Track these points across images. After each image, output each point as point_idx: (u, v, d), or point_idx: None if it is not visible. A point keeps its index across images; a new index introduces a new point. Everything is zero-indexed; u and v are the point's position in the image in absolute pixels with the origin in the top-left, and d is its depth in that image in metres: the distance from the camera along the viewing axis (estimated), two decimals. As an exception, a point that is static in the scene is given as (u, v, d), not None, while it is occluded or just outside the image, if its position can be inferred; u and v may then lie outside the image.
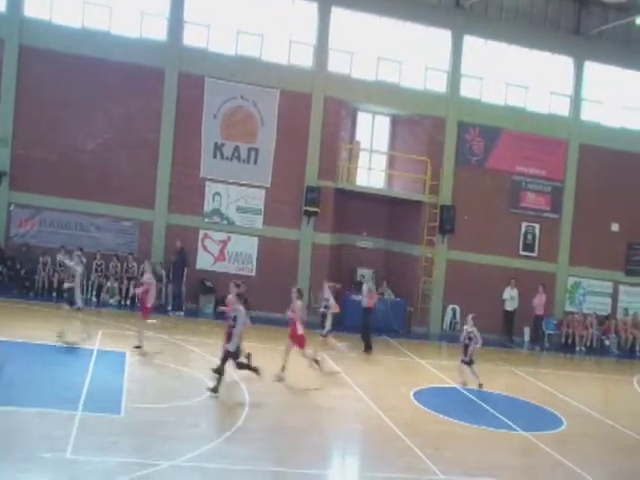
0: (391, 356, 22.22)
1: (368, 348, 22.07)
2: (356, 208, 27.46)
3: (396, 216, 27.93)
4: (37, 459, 11.26)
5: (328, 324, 19.43)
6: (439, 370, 20.90)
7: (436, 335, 27.16)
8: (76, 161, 24.62)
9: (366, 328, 22.38)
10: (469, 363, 18.94)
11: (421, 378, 19.84)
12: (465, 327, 19.36)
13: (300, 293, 18.15)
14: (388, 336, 24.83)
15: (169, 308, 24.26)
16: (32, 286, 23.59)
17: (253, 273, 25.87)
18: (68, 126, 24.57)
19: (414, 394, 17.73)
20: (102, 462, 11.47)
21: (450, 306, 27.51)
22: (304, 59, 26.55)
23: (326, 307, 19.85)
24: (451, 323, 27.42)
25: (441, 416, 16.18)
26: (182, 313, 24.02)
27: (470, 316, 19.23)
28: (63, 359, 16.70)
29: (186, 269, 24.50)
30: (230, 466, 12.03)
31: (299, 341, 17.33)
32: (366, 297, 22.64)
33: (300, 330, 17.32)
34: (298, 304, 17.60)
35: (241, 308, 16.00)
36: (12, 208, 24.43)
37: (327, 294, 20.19)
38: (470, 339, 18.83)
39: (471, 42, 27.90)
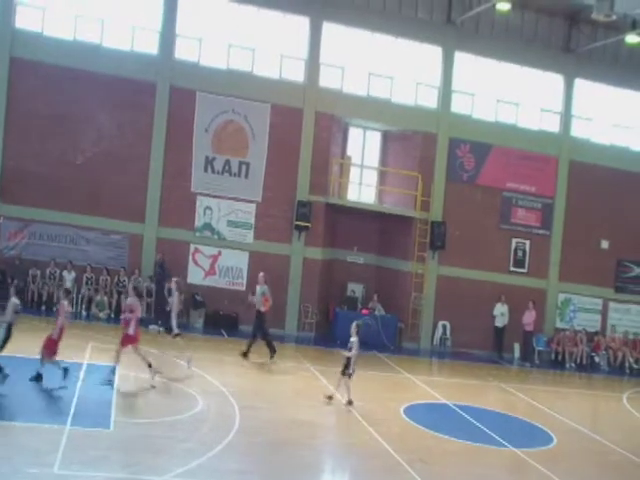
0: (381, 372, 22.14)
1: (273, 352, 20.88)
2: (347, 223, 27.47)
3: (387, 231, 27.96)
4: (24, 474, 11.12)
5: (174, 322, 18.77)
6: (429, 386, 20.84)
7: (426, 351, 27.13)
8: (66, 174, 24.55)
9: (264, 332, 21.10)
10: (349, 375, 17.42)
11: (411, 393, 19.79)
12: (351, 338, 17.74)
13: (138, 291, 18.07)
14: (378, 351, 24.76)
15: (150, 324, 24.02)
16: (22, 299, 23.34)
17: (244, 288, 25.76)
18: (58, 139, 24.53)
19: (404, 409, 17.66)
20: (90, 477, 11.37)
21: (440, 322, 27.51)
22: (295, 74, 26.61)
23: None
24: (441, 339, 27.40)
25: (431, 432, 16.12)
26: (161, 328, 23.65)
27: (354, 323, 17.94)
28: (53, 373, 16.53)
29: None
30: (219, 482, 11.98)
31: (129, 340, 16.90)
32: (260, 300, 21.30)
33: (131, 330, 16.76)
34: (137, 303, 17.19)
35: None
36: (1, 221, 24.32)
37: (174, 288, 19.68)
38: (350, 349, 17.42)
39: (462, 58, 28.06)
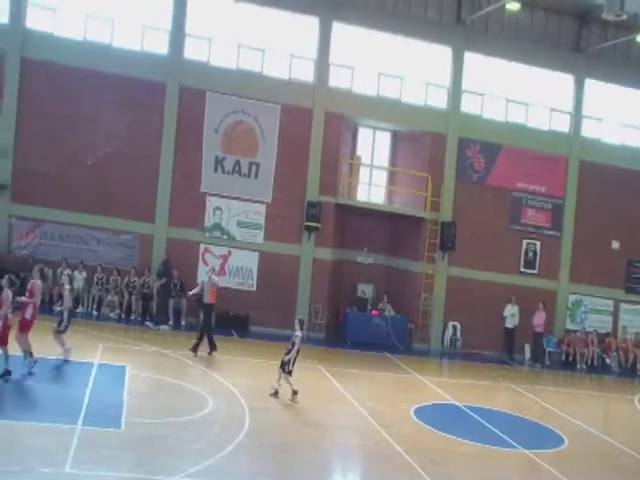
0: (391, 372, 22.10)
1: (213, 348, 20.41)
2: (357, 224, 27.42)
3: (397, 232, 27.90)
4: (35, 473, 11.15)
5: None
6: (439, 387, 20.79)
7: (437, 352, 27.07)
8: (77, 174, 24.58)
9: (207, 326, 20.62)
10: (289, 372, 17.13)
11: (421, 395, 19.74)
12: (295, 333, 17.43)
13: (43, 273, 17.52)
14: (388, 352, 24.74)
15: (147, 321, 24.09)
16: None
17: (254, 288, 25.78)
18: (69, 139, 24.55)
19: (414, 411, 17.62)
20: (102, 477, 11.39)
21: (451, 323, 27.43)
22: (305, 74, 26.59)
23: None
24: (452, 340, 27.31)
25: (441, 433, 16.07)
26: (163, 327, 23.64)
27: (297, 319, 17.79)
28: (64, 373, 16.62)
29: (171, 282, 24.24)
30: (232, 482, 11.99)
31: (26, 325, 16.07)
32: (208, 292, 20.98)
33: (28, 315, 15.98)
34: (38, 284, 16.55)
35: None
36: (13, 221, 24.40)
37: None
38: (293, 344, 17.11)
39: (472, 58, 27.98)
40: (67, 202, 24.41)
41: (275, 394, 16.88)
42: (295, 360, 17.03)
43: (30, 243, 24.43)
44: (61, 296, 16.79)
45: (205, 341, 20.45)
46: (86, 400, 14.53)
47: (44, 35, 24.48)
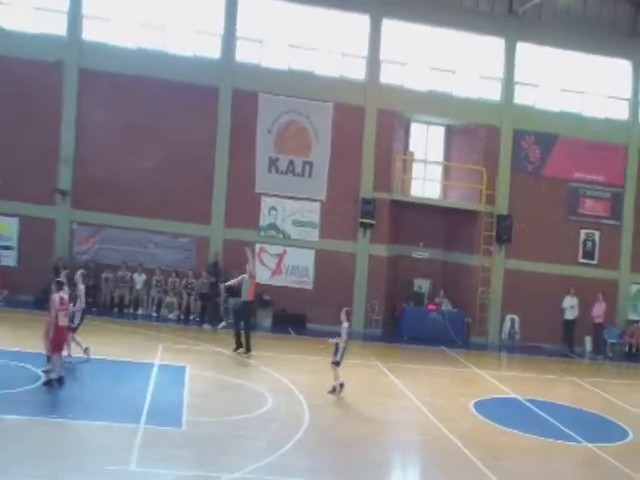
0: (449, 367, 22.03)
1: (244, 347, 20.29)
2: (412, 219, 27.36)
3: (452, 226, 27.77)
4: (102, 471, 11.49)
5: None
6: (498, 380, 20.63)
7: (495, 345, 26.85)
8: (134, 179, 25.10)
9: (245, 324, 20.52)
10: (337, 363, 17.10)
11: (480, 389, 19.61)
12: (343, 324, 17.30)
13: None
14: (446, 347, 24.65)
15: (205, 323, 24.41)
16: (95, 302, 24.14)
17: (310, 286, 25.97)
18: (126, 145, 25.09)
19: (474, 405, 17.54)
20: (165, 475, 11.65)
21: (509, 316, 27.16)
22: (356, 71, 26.63)
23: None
24: (510, 333, 27.05)
25: (502, 427, 15.97)
26: (221, 325, 23.98)
27: (344, 310, 17.53)
28: (126, 374, 17.02)
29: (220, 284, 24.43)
30: (290, 479, 12.09)
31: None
32: (247, 289, 20.65)
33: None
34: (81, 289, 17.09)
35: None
36: (74, 226, 25.07)
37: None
38: (339, 335, 16.96)
39: (525, 49, 27.64)
40: (126, 207, 24.95)
41: (333, 391, 16.96)
42: (344, 352, 17.05)
43: (91, 248, 25.07)
44: (76, 297, 16.87)
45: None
46: (148, 400, 14.88)
47: (100, 45, 25.07)
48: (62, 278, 16.36)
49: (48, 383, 15.06)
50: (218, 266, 24.50)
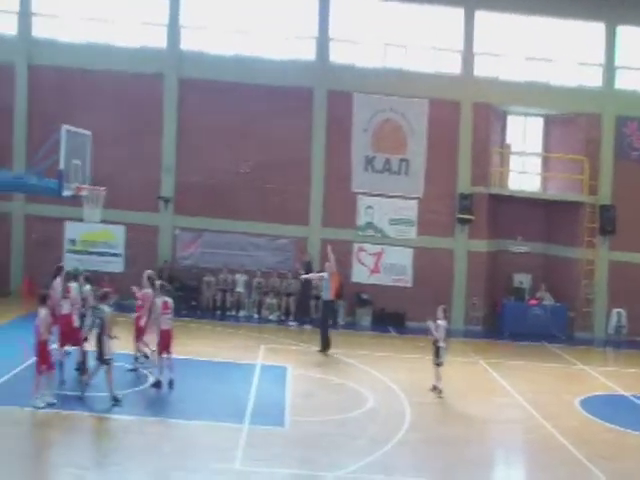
0: (553, 363, 21.58)
1: (324, 348, 20.24)
2: (511, 212, 26.89)
3: (553, 219, 27.14)
4: (208, 470, 11.92)
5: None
6: (605, 377, 20.10)
7: (600, 340, 26.04)
8: (233, 184, 25.68)
9: (324, 322, 20.56)
10: (439, 364, 16.90)
11: (586, 385, 19.17)
12: (438, 322, 17.00)
13: (152, 281, 17.12)
14: (548, 342, 24.13)
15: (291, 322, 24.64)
16: (198, 305, 24.84)
17: (409, 284, 25.90)
18: (224, 151, 25.67)
19: (580, 402, 17.21)
20: (269, 473, 11.97)
21: (615, 310, 26.28)
22: (451, 66, 26.41)
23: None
24: (616, 327, 26.20)
25: (610, 425, 15.60)
26: (306, 326, 24.07)
27: (440, 307, 17.22)
28: (229, 374, 17.45)
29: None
30: (393, 478, 12.21)
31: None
32: (327, 288, 20.55)
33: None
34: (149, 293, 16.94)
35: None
36: (177, 232, 25.87)
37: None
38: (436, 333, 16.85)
39: (627, 32, 26.71)
40: (225, 211, 25.57)
41: (434, 390, 16.91)
42: (445, 351, 16.89)
43: (193, 253, 25.80)
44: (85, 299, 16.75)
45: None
46: (251, 400, 15.24)
47: (197, 55, 25.78)
48: (164, 283, 16.97)
49: (157, 384, 15.62)
50: (311, 266, 24.79)
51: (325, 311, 20.99)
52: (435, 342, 16.93)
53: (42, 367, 13.97)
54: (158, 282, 17.00)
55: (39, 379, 13.95)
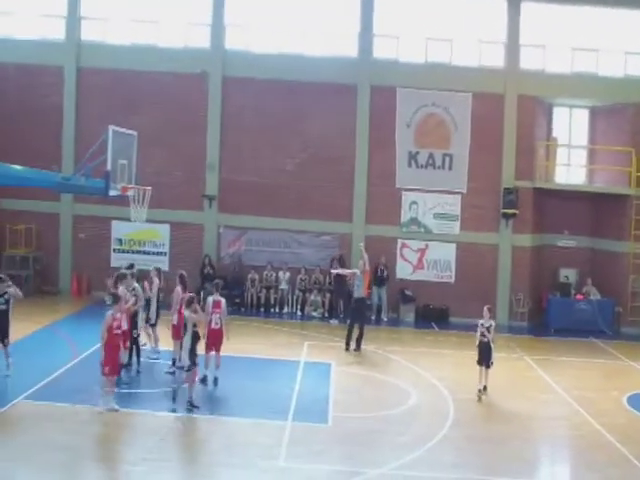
0: (599, 359, 21.33)
1: (357, 347, 20.10)
2: (556, 206, 26.57)
3: (600, 212, 26.74)
4: (253, 466, 12.07)
5: None
6: (656, 373, 19.80)
7: (651, 336, 25.65)
8: (277, 181, 25.88)
9: (360, 320, 20.36)
10: (490, 365, 16.34)
11: (634, 382, 18.83)
12: (481, 322, 16.44)
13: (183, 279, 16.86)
14: (595, 337, 23.86)
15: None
16: (242, 302, 25.05)
17: (452, 280, 25.80)
18: (268, 148, 25.89)
19: (628, 399, 16.98)
20: (313, 470, 12.07)
21: (664, 304, 25.89)
22: (495, 59, 26.18)
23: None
24: (667, 323, 25.74)
25: (659, 423, 15.37)
26: (333, 321, 24.25)
27: (486, 307, 16.53)
28: (273, 372, 17.61)
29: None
30: (436, 474, 12.20)
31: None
32: (361, 285, 20.38)
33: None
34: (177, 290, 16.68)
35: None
36: (221, 230, 26.14)
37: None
38: (484, 336, 16.21)
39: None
40: (269, 208, 25.77)
41: (485, 390, 16.39)
42: (493, 352, 16.36)
43: (237, 250, 26.03)
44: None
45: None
46: (295, 397, 15.37)
47: (242, 53, 25.99)
48: (219, 282, 17.15)
49: (203, 380, 15.83)
50: (342, 260, 24.84)
51: (358, 309, 20.78)
52: (482, 343, 16.30)
53: (106, 369, 14.02)
54: (215, 281, 17.28)
55: (105, 380, 14.07)
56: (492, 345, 16.29)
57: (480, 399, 16.21)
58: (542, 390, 17.53)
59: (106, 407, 13.88)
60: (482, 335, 16.26)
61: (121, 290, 15.67)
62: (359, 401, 15.81)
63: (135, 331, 16.44)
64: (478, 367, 16.41)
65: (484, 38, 26.18)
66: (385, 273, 25.11)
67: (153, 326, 17.76)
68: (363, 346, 20.27)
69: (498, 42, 26.16)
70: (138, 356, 16.69)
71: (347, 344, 20.10)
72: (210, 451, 12.64)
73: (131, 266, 17.91)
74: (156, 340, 17.79)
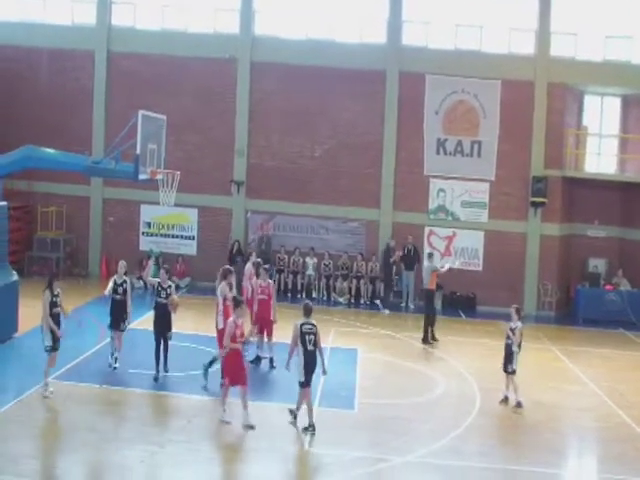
0: (629, 351, 21.12)
1: (426, 339, 19.90)
2: (586, 196, 26.30)
3: (631, 202, 26.40)
4: (278, 451, 12.17)
5: None
6: (686, 365, 19.57)
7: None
8: (304, 167, 25.93)
9: (426, 313, 20.25)
10: (513, 371, 15.13)
11: (665, 374, 18.71)
12: (510, 323, 15.33)
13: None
14: (625, 329, 23.63)
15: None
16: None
17: (480, 268, 25.68)
18: (296, 134, 25.91)
19: (658, 391, 16.84)
20: (339, 455, 12.10)
21: (695, 295, 25.55)
22: (525, 46, 25.92)
23: None
24: (699, 314, 25.39)
25: (690, 416, 15.20)
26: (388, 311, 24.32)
27: (513, 307, 15.41)
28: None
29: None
30: (462, 463, 12.19)
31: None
32: (427, 277, 20.30)
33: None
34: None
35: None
36: (249, 215, 26.21)
37: None
38: (508, 338, 15.10)
39: None
40: (297, 194, 25.81)
41: (505, 401, 15.22)
42: (517, 357, 15.14)
43: (264, 235, 26.08)
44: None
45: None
46: (321, 382, 15.37)
47: (270, 39, 25.97)
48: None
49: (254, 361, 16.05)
50: (394, 250, 24.95)
51: (425, 301, 20.72)
52: (505, 346, 15.21)
53: (226, 380, 13.10)
54: (264, 266, 17.41)
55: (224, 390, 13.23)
56: (516, 349, 14.98)
57: (506, 403, 15.14)
58: (570, 381, 17.42)
59: (221, 419, 13.16)
60: (507, 337, 15.17)
61: (222, 287, 14.82)
62: (385, 388, 15.82)
63: None
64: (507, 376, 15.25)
65: (514, 25, 25.90)
66: (413, 253, 25.03)
67: None
68: (391, 332, 20.29)
69: (529, 29, 25.87)
70: None
71: (425, 336, 19.93)
72: (236, 435, 12.73)
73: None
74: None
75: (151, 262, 18.66)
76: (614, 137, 27.44)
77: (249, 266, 17.56)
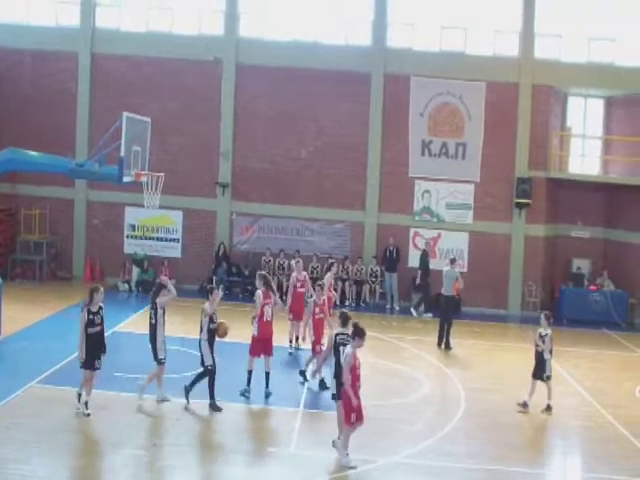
0: (612, 350, 21.26)
1: (439, 344, 19.95)
2: (570, 197, 26.44)
3: (614, 203, 26.59)
4: (265, 453, 12.15)
5: None
6: (669, 365, 19.71)
7: (664, 328, 25.52)
8: (290, 169, 25.92)
9: (442, 319, 20.19)
10: (548, 377, 15.15)
11: (648, 374, 18.80)
12: (539, 330, 15.29)
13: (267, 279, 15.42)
14: (608, 329, 23.78)
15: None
16: (254, 290, 24.91)
17: (465, 269, 25.68)
18: (281, 136, 25.89)
19: (640, 391, 16.93)
20: (324, 458, 12.06)
21: (678, 296, 25.73)
22: (509, 48, 26.02)
23: None
24: (681, 315, 25.59)
25: (674, 415, 15.29)
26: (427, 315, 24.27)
27: (543, 314, 15.38)
28: (285, 359, 17.65)
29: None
30: (448, 463, 12.19)
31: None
32: (449, 283, 20.21)
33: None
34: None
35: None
36: (234, 217, 26.17)
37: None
38: (537, 345, 15.10)
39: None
40: (282, 196, 25.81)
41: (525, 406, 15.10)
42: (550, 363, 15.19)
43: (249, 238, 26.07)
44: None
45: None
46: (306, 384, 15.40)
47: (255, 41, 25.93)
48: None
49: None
50: (394, 254, 25.17)
51: (444, 306, 20.64)
52: (536, 354, 15.29)
53: (352, 416, 11.75)
54: (261, 273, 16.53)
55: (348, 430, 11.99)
56: (548, 356, 15.07)
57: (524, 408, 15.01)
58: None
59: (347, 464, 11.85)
60: (536, 345, 15.18)
61: (259, 293, 14.74)
62: (371, 389, 15.57)
63: None
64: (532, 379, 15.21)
65: (499, 27, 26.01)
66: (395, 255, 25.12)
67: None
68: (376, 334, 20.26)
69: (513, 31, 25.98)
70: None
71: (440, 341, 19.94)
72: (221, 437, 12.73)
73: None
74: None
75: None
76: (598, 138, 27.62)
77: (329, 276, 17.93)
